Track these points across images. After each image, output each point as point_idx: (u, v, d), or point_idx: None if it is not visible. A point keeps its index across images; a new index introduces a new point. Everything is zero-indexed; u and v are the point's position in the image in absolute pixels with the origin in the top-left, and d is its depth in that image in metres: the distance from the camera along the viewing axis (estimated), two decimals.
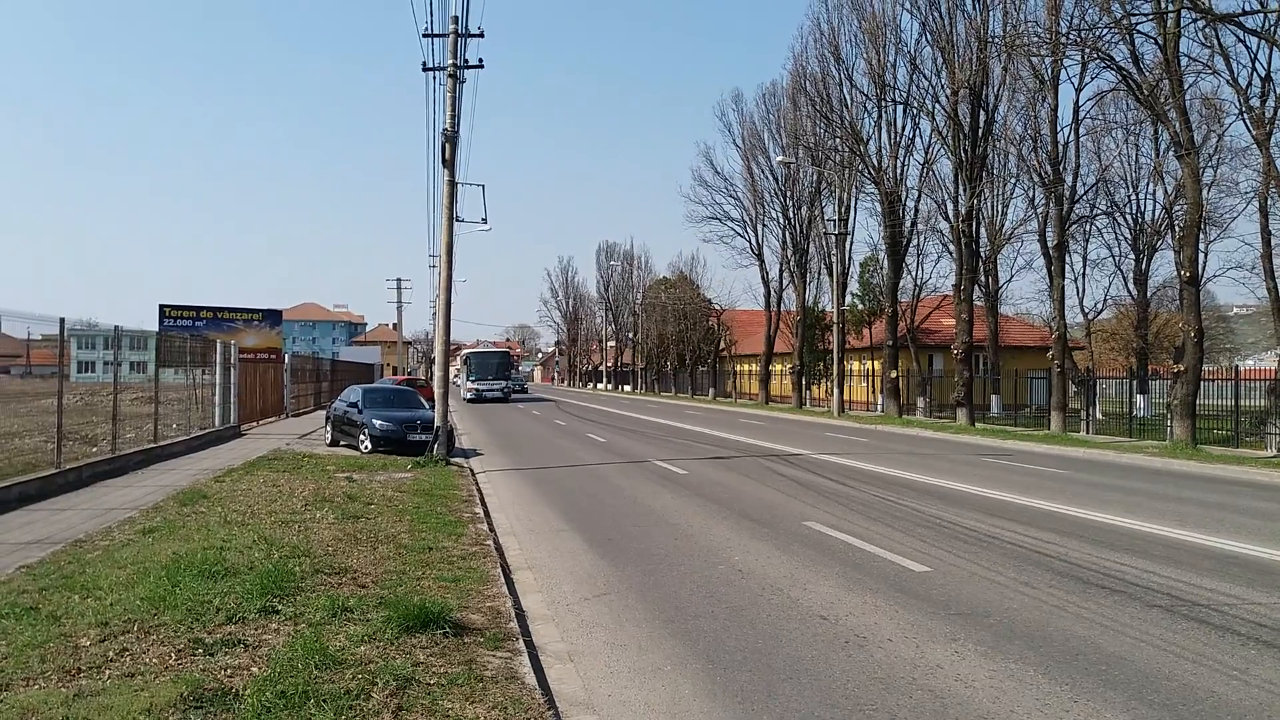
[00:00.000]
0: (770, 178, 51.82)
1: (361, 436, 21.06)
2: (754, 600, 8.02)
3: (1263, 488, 17.05)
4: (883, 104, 39.71)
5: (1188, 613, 7.63)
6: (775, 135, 51.02)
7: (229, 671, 5.39)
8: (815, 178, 47.16)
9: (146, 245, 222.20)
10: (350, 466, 17.17)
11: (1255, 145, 24.63)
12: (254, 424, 29.21)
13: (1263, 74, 24.32)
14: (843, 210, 43.39)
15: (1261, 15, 22.81)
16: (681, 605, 7.88)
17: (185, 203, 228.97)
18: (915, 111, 38.55)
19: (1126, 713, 5.41)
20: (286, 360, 37.35)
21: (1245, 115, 24.77)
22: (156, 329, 32.22)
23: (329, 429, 23.51)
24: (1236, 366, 30.06)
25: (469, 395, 57.95)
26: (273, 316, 39.87)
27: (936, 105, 36.30)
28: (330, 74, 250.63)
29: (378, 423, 20.86)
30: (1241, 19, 22.75)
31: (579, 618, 7.54)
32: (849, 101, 41.65)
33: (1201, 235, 27.82)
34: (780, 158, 46.74)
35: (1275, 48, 23.05)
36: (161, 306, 35.68)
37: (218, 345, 25.27)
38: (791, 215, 50.48)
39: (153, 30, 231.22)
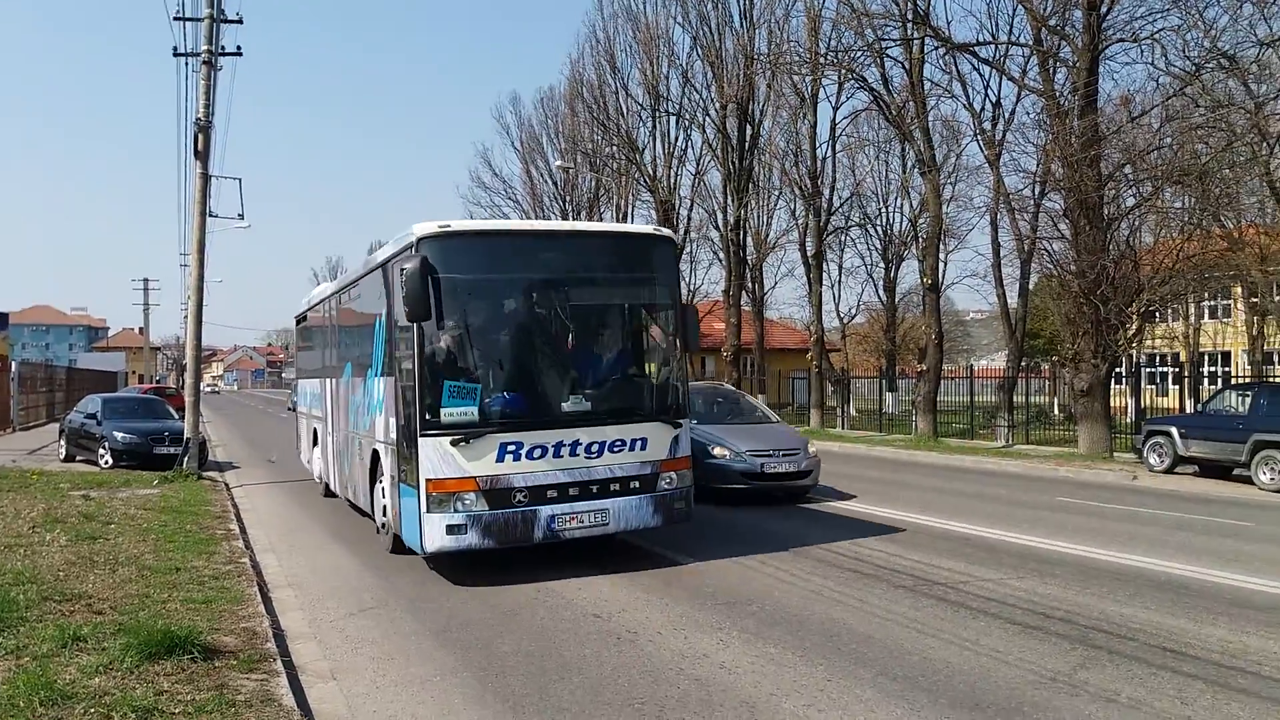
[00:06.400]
0: (549, 182, 51.88)
1: (101, 450, 19.25)
2: (529, 603, 7.97)
3: (993, 474, 18.82)
4: (657, 114, 40.74)
5: (928, 591, 8.27)
6: (554, 140, 51.10)
7: None
8: (593, 184, 47.74)
9: None
10: (88, 484, 15.64)
11: (987, 164, 27.25)
12: None
13: (994, 100, 27.01)
14: (620, 217, 44.15)
15: (993, 46, 25.27)
16: (454, 614, 7.71)
17: None
18: (687, 123, 39.79)
19: (874, 687, 5.79)
20: (14, 368, 33.59)
21: (979, 137, 27.39)
22: None
23: (63, 443, 21.37)
24: (972, 366, 32.99)
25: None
26: None
27: (707, 118, 37.70)
28: (61, 49, 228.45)
29: (119, 435, 19.14)
30: (976, 49, 25.12)
31: (344, 634, 7.21)
32: (625, 110, 42.44)
33: (941, 246, 30.40)
34: (559, 163, 46.98)
35: (1004, 77, 25.59)
36: None
37: None
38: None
39: None
